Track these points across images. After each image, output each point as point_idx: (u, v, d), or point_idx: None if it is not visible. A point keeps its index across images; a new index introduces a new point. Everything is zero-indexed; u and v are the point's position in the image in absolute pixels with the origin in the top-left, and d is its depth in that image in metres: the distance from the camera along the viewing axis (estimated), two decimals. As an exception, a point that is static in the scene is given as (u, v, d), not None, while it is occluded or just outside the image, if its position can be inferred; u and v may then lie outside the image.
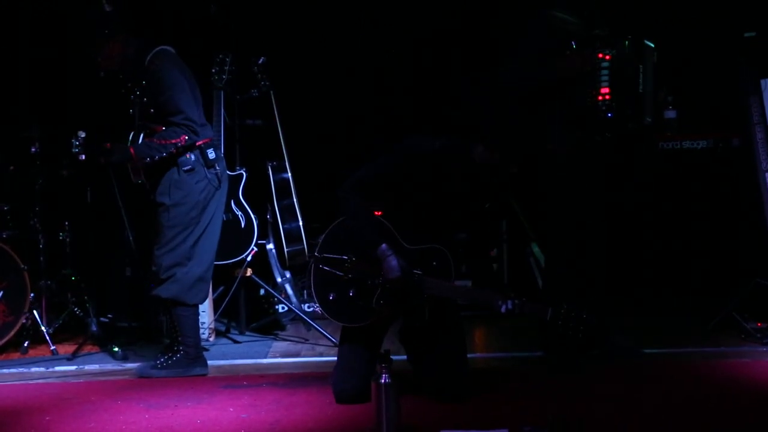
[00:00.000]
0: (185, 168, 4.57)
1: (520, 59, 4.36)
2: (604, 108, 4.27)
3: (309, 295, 6.05)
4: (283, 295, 5.95)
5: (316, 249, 4.02)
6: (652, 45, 4.39)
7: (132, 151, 4.49)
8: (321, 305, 3.98)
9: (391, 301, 3.81)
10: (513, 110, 3.90)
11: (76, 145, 4.49)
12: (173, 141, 4.48)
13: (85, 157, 4.49)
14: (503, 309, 3.73)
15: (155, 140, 4.49)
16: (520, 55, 4.37)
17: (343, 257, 3.90)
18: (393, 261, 3.75)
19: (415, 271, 3.79)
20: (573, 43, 4.31)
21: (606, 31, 4.38)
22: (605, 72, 4.26)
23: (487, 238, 4.05)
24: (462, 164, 3.86)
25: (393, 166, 3.91)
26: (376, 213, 3.99)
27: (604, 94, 4.26)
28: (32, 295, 5.24)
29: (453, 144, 3.88)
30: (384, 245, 3.78)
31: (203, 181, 4.62)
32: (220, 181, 4.70)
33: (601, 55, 4.25)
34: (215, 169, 4.67)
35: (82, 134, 4.48)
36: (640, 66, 4.31)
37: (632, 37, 4.30)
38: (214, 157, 4.66)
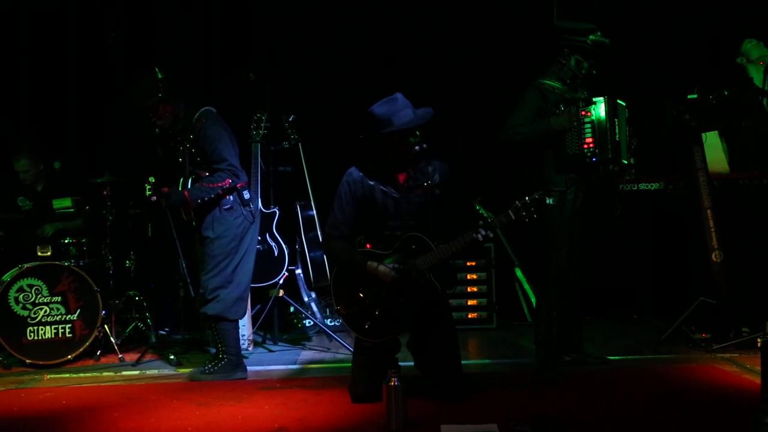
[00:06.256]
0: (225, 207, 4.59)
1: (521, 120, 4.39)
2: (589, 154, 4.29)
3: (332, 313, 6.05)
4: (309, 312, 5.94)
5: (334, 303, 4.01)
6: (624, 104, 4.42)
7: (186, 194, 4.51)
8: (365, 337, 3.89)
9: (406, 292, 3.81)
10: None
11: (148, 188, 4.53)
12: (219, 184, 4.51)
13: (156, 198, 4.51)
14: (480, 237, 3.70)
15: (204, 184, 4.51)
16: (521, 117, 4.40)
17: (356, 294, 3.89)
18: (381, 267, 3.80)
19: (405, 260, 3.80)
20: (561, 105, 4.36)
21: (586, 94, 4.43)
22: (588, 126, 4.29)
23: (446, 211, 4.00)
24: (382, 171, 3.92)
25: (343, 197, 3.98)
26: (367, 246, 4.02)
27: (588, 143, 4.29)
28: (104, 312, 5.25)
29: (366, 160, 3.96)
30: (368, 262, 3.83)
31: (240, 217, 4.63)
32: (254, 217, 4.72)
33: (583, 113, 4.29)
34: (250, 207, 4.69)
35: (152, 180, 4.51)
36: (616, 120, 4.33)
37: (607, 98, 4.32)
38: (249, 197, 4.70)
